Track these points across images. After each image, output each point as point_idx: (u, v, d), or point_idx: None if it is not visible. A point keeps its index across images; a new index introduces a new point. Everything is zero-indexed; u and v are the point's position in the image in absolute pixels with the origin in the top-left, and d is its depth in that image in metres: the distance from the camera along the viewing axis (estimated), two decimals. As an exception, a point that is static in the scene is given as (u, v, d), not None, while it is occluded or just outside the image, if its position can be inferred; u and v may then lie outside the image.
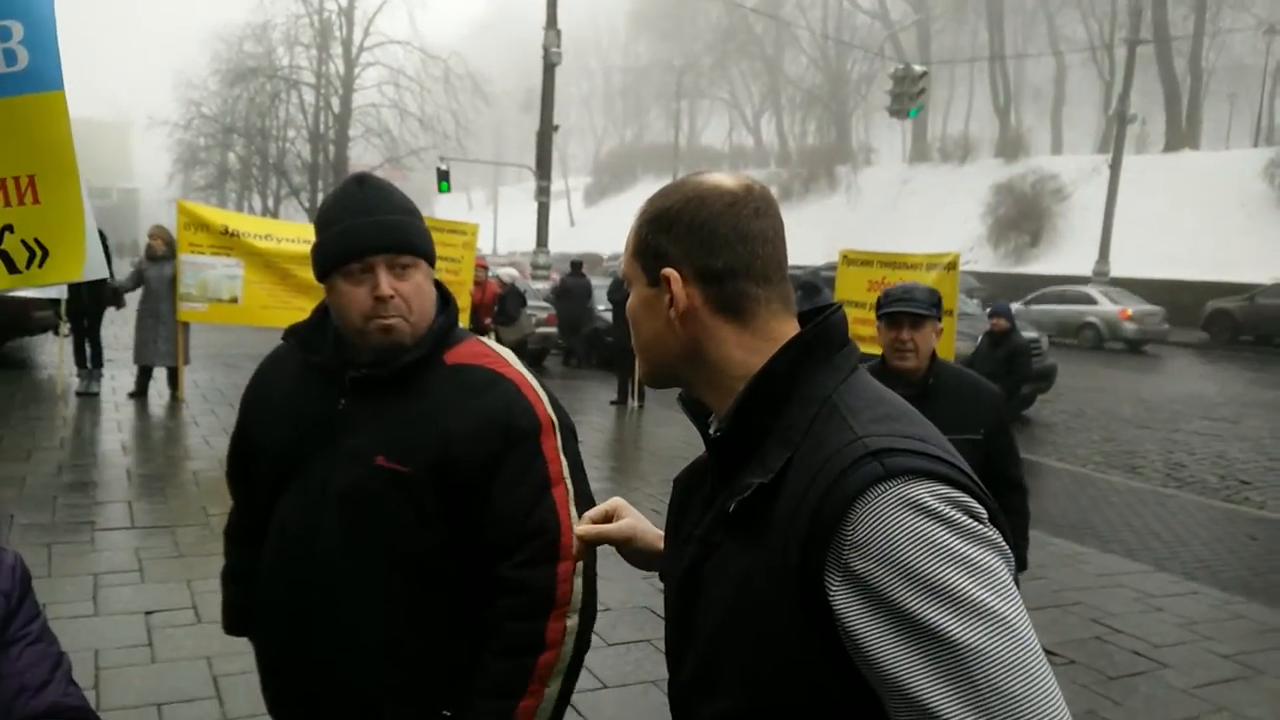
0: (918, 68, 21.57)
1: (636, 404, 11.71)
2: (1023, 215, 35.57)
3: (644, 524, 1.35)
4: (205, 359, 12.74)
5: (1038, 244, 34.94)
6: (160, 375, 10.46)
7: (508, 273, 11.92)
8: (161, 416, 9.46)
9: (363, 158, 43.80)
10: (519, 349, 11.55)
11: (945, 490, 0.91)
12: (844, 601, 0.89)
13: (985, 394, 3.17)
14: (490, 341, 1.76)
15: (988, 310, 10.49)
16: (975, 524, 0.90)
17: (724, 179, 1.11)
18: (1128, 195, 25.82)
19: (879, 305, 3.16)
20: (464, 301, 10.89)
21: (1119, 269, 25.86)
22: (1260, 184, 29.88)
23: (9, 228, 1.86)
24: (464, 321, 9.27)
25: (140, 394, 10.09)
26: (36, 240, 1.97)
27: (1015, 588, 0.89)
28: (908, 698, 0.85)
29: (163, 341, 9.93)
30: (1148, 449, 10.81)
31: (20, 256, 1.83)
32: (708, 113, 73.63)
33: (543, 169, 21.19)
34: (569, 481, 1.62)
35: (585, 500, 1.63)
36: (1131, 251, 27.73)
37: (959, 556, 0.87)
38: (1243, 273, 25.25)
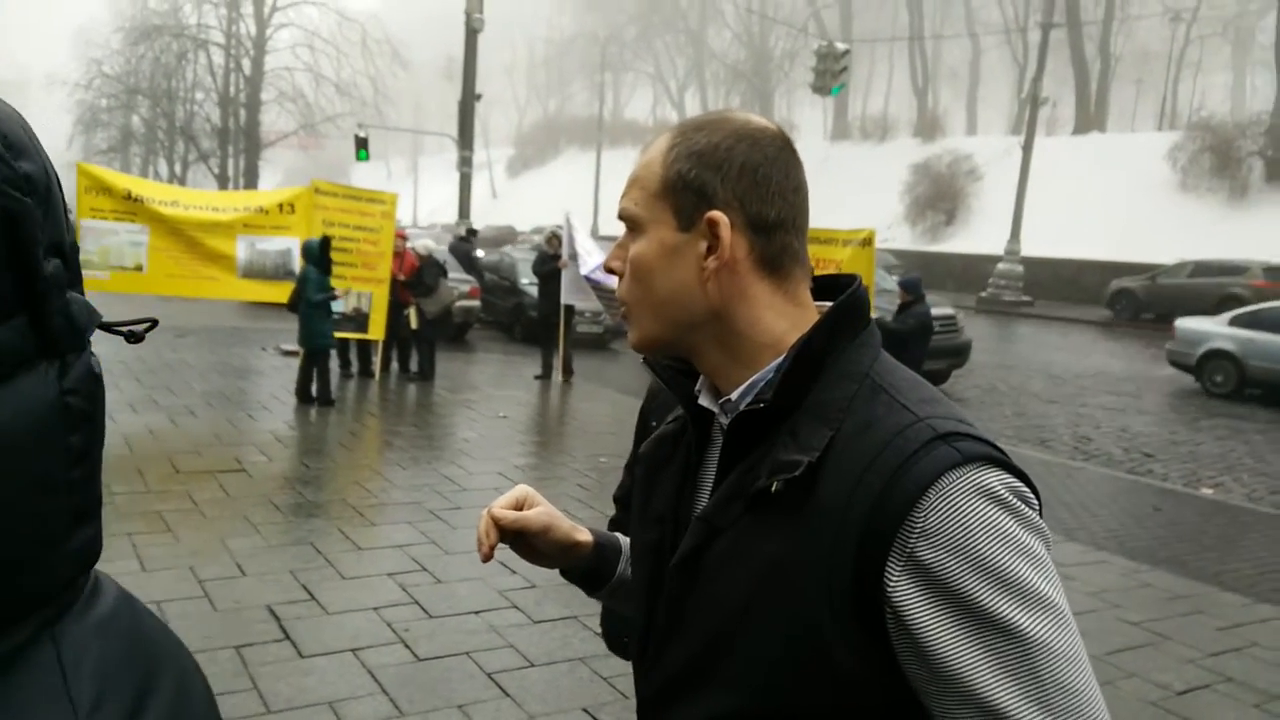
0: (840, 45, 21.70)
1: (561, 379, 11.61)
2: (939, 194, 36.31)
3: (556, 513, 1.22)
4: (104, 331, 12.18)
5: (953, 223, 35.73)
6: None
7: (424, 244, 11.64)
8: (61, 390, 9.02)
9: (276, 123, 42.33)
10: (441, 320, 11.32)
11: (1010, 479, 0.87)
12: (906, 592, 0.84)
13: None
14: None
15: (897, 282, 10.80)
16: (1034, 514, 0.88)
17: (759, 118, 1.01)
18: (1039, 176, 26.54)
19: None
20: (384, 272, 10.61)
21: (1029, 248, 26.61)
22: (1163, 167, 30.99)
23: None
24: (383, 293, 8.97)
25: None
26: None
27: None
28: (969, 694, 0.82)
29: None
30: (1056, 423, 11.16)
31: None
32: (632, 86, 73.19)
33: (465, 139, 20.76)
34: None
35: None
36: (1041, 231, 28.55)
37: (1026, 548, 0.84)
38: (1145, 253, 26.23)
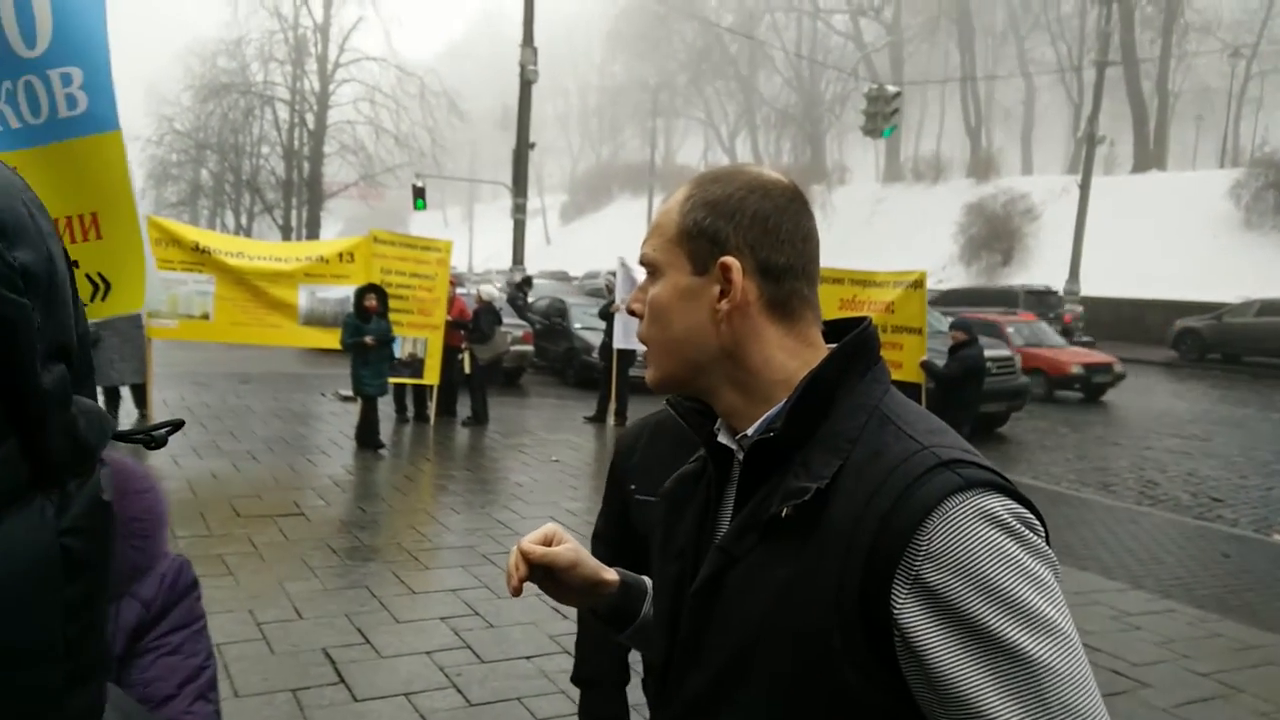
0: (891, 88, 21.73)
1: (614, 421, 11.63)
2: (994, 234, 35.92)
3: (584, 550, 1.26)
4: (174, 377, 12.55)
5: (1009, 263, 35.28)
6: (128, 394, 10.28)
7: (487, 290, 11.81)
8: (129, 435, 9.29)
9: (338, 175, 43.56)
10: (494, 367, 11.46)
11: (1013, 505, 0.90)
12: (912, 615, 0.86)
13: None
14: None
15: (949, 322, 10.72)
16: (1039, 540, 0.90)
17: (771, 172, 1.08)
18: (1097, 215, 26.14)
19: None
20: (439, 318, 10.82)
21: (1089, 288, 26.15)
22: (1226, 204, 30.35)
23: (75, 263, 1.88)
24: (439, 339, 9.11)
25: (110, 415, 9.86)
26: (100, 274, 2.07)
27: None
28: (975, 717, 0.83)
29: (126, 359, 9.64)
30: (1120, 466, 10.88)
31: (85, 290, 1.85)
32: (683, 132, 73.94)
33: (519, 186, 21.14)
34: None
35: None
36: (1101, 270, 28.06)
37: (1030, 572, 0.86)
38: (1210, 291, 25.60)
